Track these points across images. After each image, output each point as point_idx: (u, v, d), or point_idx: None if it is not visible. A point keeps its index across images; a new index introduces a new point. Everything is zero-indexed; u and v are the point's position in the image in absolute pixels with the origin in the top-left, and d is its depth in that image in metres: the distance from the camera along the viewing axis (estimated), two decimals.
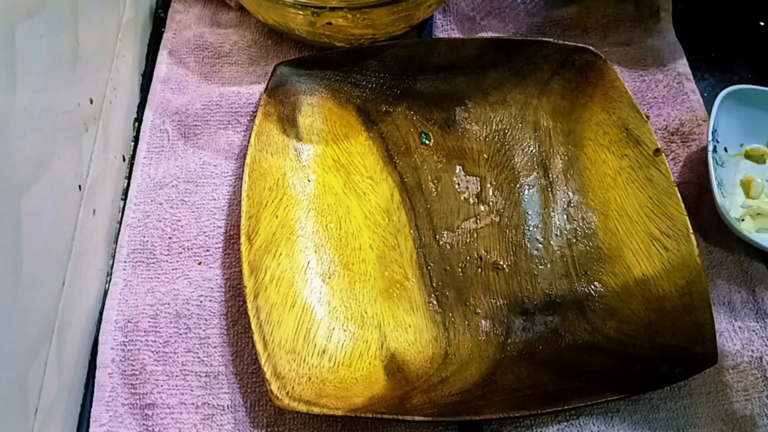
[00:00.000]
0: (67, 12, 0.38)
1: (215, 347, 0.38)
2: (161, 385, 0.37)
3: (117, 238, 0.43)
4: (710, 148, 0.42)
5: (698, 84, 0.49)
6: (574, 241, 0.42)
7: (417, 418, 0.33)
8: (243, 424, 0.36)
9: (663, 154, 0.42)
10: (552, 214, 0.43)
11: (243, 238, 0.39)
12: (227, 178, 0.45)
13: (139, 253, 0.42)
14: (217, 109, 0.47)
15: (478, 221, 0.43)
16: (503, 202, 0.44)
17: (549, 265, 0.41)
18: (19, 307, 0.31)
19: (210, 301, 0.40)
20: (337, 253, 0.41)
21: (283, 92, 0.45)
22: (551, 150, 0.46)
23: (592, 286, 0.40)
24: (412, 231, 0.43)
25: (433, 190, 0.45)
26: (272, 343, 0.36)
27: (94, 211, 0.40)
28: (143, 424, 0.36)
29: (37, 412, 0.32)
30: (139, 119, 0.48)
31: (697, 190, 0.44)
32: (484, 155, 0.46)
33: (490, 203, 0.44)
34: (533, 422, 0.36)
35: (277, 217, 0.41)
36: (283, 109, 0.45)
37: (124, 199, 0.44)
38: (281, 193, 0.42)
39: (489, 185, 0.45)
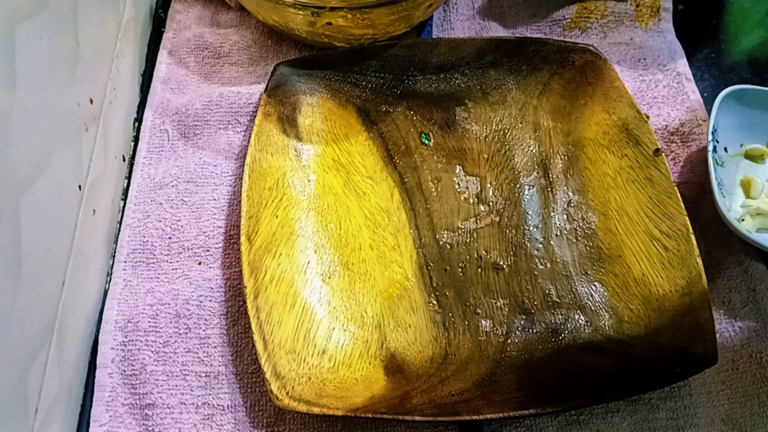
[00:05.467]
0: (67, 12, 0.38)
1: (215, 347, 0.38)
2: (161, 385, 0.37)
3: (117, 238, 0.43)
4: (710, 148, 0.42)
5: (698, 84, 0.49)
6: (574, 241, 0.42)
7: (417, 418, 0.33)
8: (243, 424, 0.36)
9: (663, 154, 0.42)
10: (552, 214, 0.43)
11: (243, 238, 0.39)
12: (227, 178, 0.45)
13: (139, 253, 0.42)
14: (217, 109, 0.47)
15: (478, 221, 0.43)
16: (503, 202, 0.44)
17: (549, 265, 0.41)
18: (19, 307, 0.31)
19: (210, 301, 0.40)
20: (337, 253, 0.41)
21: (283, 92, 0.45)
22: (551, 150, 0.46)
23: (592, 286, 0.40)
24: (412, 231, 0.43)
25: (433, 190, 0.45)
26: (272, 343, 0.36)
27: (94, 211, 0.40)
28: (143, 424, 0.36)
29: (37, 412, 0.32)
30: (139, 119, 0.48)
31: (697, 190, 0.44)
32: (484, 155, 0.46)
33: (490, 203, 0.44)
34: (533, 422, 0.36)
35: (277, 217, 0.41)
36: (283, 109, 0.45)
37: (124, 199, 0.44)
38: (281, 193, 0.42)
39: (489, 185, 0.45)
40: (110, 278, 0.41)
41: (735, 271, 0.41)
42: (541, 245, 0.42)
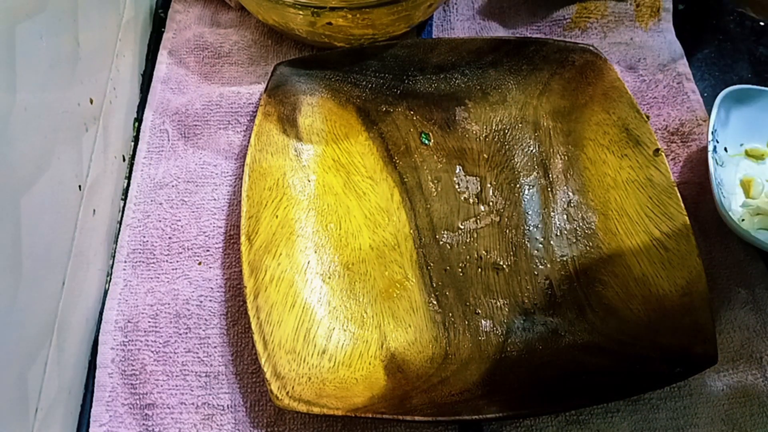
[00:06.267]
0: (67, 12, 0.38)
1: (215, 347, 0.38)
2: (161, 385, 0.37)
3: (117, 238, 0.43)
4: (710, 148, 0.42)
5: (698, 84, 0.49)
6: (574, 241, 0.42)
7: (417, 418, 0.33)
8: (243, 424, 0.36)
9: (663, 154, 0.42)
10: (552, 214, 0.43)
11: (243, 238, 0.39)
12: (227, 178, 0.45)
13: (139, 253, 0.42)
14: (217, 109, 0.47)
15: (478, 221, 0.43)
16: (503, 202, 0.44)
17: (549, 265, 0.41)
18: (19, 307, 0.31)
19: (210, 301, 0.40)
20: (337, 253, 0.41)
21: (283, 92, 0.45)
22: (551, 150, 0.46)
23: (592, 286, 0.40)
24: (412, 231, 0.43)
25: (433, 190, 0.45)
26: (272, 343, 0.36)
27: (94, 211, 0.40)
28: (143, 424, 0.36)
29: (37, 412, 0.32)
30: (139, 119, 0.48)
31: (697, 190, 0.44)
32: (484, 155, 0.46)
33: (490, 203, 0.44)
34: (533, 422, 0.36)
35: (277, 217, 0.41)
36: (283, 109, 0.45)
37: (124, 199, 0.44)
38: (281, 193, 0.42)
39: (489, 185, 0.45)
40: (110, 278, 0.41)
41: (735, 271, 0.41)
42: (541, 245, 0.42)
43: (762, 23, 0.54)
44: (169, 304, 0.40)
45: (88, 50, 0.41)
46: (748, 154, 0.45)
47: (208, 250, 0.42)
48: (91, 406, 0.37)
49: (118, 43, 0.46)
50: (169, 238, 0.42)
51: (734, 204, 0.43)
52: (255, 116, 0.44)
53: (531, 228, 0.43)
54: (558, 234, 0.42)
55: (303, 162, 0.44)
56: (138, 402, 0.37)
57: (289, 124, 0.45)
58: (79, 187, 0.39)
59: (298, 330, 0.37)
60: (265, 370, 0.35)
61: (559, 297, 0.40)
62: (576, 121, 0.46)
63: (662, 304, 0.38)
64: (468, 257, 0.42)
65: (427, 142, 0.46)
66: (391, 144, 0.46)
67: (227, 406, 0.37)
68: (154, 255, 0.42)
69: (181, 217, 0.43)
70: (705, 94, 0.49)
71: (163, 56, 0.51)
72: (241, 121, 0.47)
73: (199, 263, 0.41)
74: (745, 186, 0.44)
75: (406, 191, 0.44)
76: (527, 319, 0.39)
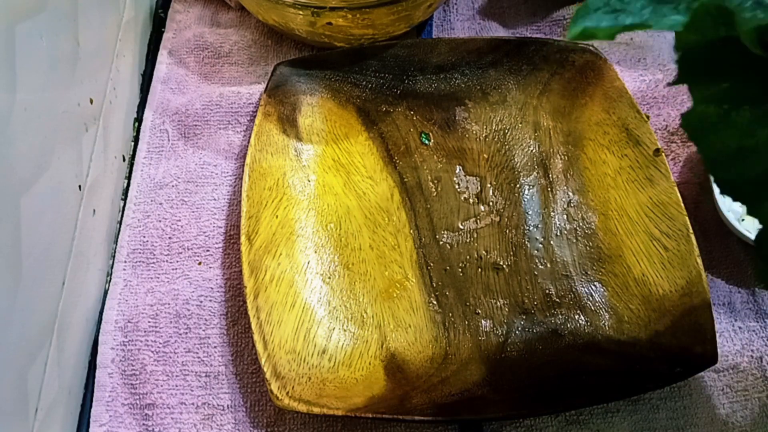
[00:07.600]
0: (67, 12, 0.38)
1: (215, 347, 0.38)
2: (161, 385, 0.37)
3: (117, 238, 0.43)
4: None
5: None
6: (574, 241, 0.42)
7: (417, 418, 0.33)
8: (243, 424, 0.36)
9: (663, 154, 0.42)
10: (552, 214, 0.43)
11: (243, 238, 0.39)
12: (227, 178, 0.45)
13: (139, 253, 0.42)
14: (217, 109, 0.47)
15: (478, 221, 0.43)
16: (503, 202, 0.44)
17: (549, 265, 0.41)
18: (19, 307, 0.31)
19: (210, 301, 0.40)
20: (337, 253, 0.41)
21: (283, 92, 0.45)
22: (551, 150, 0.46)
23: (592, 286, 0.40)
24: (412, 231, 0.43)
25: (433, 190, 0.45)
26: (272, 343, 0.36)
27: (94, 211, 0.40)
28: (143, 424, 0.36)
29: (37, 412, 0.32)
30: (139, 119, 0.48)
31: (697, 190, 0.44)
32: (484, 155, 0.46)
33: (490, 203, 0.44)
34: (533, 422, 0.36)
35: (277, 217, 0.41)
36: (283, 109, 0.45)
37: (124, 199, 0.44)
38: (281, 193, 0.42)
39: (489, 185, 0.45)
40: (110, 278, 0.41)
41: (735, 271, 0.41)
42: (541, 245, 0.42)
43: None
44: (169, 304, 0.40)
45: (88, 50, 0.41)
46: None
47: (208, 250, 0.42)
48: (91, 406, 0.37)
49: (118, 43, 0.47)
50: (169, 238, 0.42)
51: (734, 204, 0.43)
52: (255, 116, 0.44)
53: (531, 228, 0.43)
54: (558, 234, 0.42)
55: (303, 162, 0.44)
56: (138, 402, 0.37)
57: (289, 124, 0.45)
58: (79, 187, 0.39)
59: (298, 330, 0.37)
60: (265, 370, 0.35)
61: (559, 297, 0.40)
62: (576, 121, 0.46)
63: (662, 304, 0.38)
64: (468, 257, 0.42)
65: (427, 142, 0.46)
66: (391, 144, 0.46)
67: (227, 406, 0.37)
68: (154, 255, 0.42)
69: (181, 217, 0.43)
70: None
71: (163, 56, 0.51)
72: (241, 121, 0.47)
73: (199, 263, 0.41)
74: None
75: (406, 191, 0.44)
76: (527, 319, 0.39)
